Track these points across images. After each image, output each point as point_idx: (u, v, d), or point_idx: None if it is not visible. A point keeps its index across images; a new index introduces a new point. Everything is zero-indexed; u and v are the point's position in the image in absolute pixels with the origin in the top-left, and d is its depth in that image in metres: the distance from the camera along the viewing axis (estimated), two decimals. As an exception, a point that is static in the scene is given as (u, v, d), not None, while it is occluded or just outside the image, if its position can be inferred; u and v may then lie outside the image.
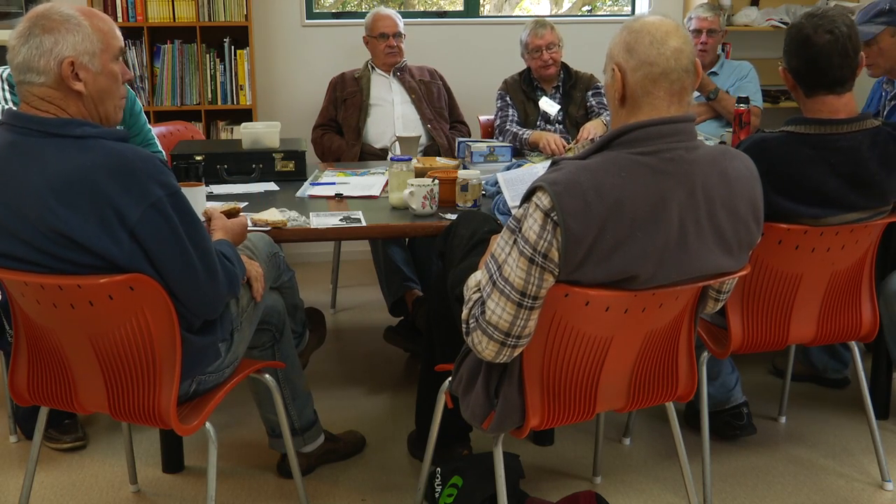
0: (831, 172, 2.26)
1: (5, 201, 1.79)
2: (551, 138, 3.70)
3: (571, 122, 3.97)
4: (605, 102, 3.91)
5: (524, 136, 3.83)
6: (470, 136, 4.25)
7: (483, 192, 2.83)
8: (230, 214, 2.33)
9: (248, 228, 2.39)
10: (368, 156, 4.04)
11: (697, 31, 4.00)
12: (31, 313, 1.98)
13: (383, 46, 4.13)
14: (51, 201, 1.73)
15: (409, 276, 3.59)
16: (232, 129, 4.51)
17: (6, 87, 2.73)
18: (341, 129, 4.15)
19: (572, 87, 4.03)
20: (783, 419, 3.04)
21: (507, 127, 3.95)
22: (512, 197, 2.62)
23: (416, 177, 2.82)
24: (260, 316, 2.33)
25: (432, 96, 4.18)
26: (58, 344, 1.98)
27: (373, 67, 4.21)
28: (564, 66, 4.05)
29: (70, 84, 1.79)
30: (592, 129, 3.71)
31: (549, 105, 3.98)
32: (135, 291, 1.82)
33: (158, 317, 1.87)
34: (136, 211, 1.75)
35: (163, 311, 1.86)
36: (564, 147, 3.65)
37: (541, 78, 4.02)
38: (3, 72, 2.76)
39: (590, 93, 4.01)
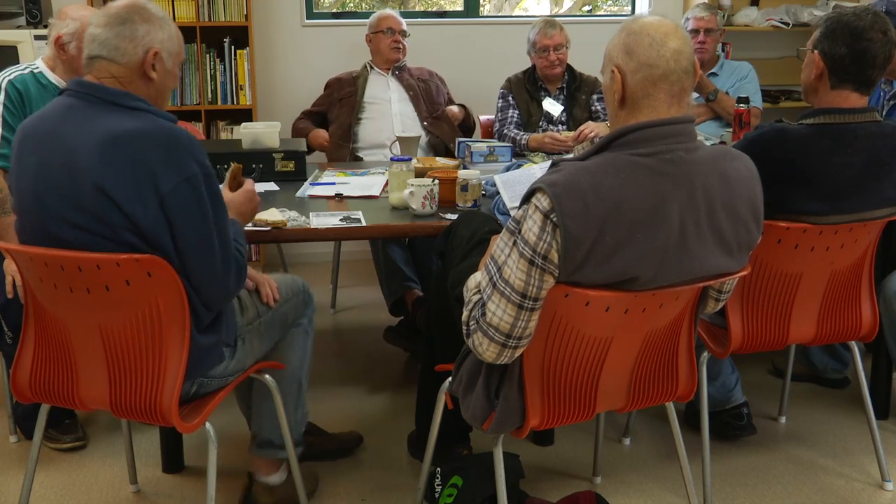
0: (848, 163, 2.27)
1: (59, 161, 1.87)
2: (549, 135, 3.71)
3: (575, 123, 3.96)
4: None
5: (523, 143, 3.83)
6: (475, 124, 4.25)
7: (483, 192, 2.83)
8: (234, 176, 2.31)
9: (248, 228, 2.39)
10: (355, 158, 4.04)
11: (695, 31, 4.00)
12: (44, 300, 1.99)
13: (389, 41, 4.13)
14: (95, 157, 1.83)
15: (409, 276, 3.59)
16: (232, 129, 4.51)
17: (2, 95, 2.72)
18: (324, 122, 4.16)
19: (577, 88, 4.03)
20: (783, 419, 3.04)
21: (506, 132, 3.95)
22: (510, 198, 2.62)
23: (416, 177, 2.82)
24: (275, 336, 2.32)
25: (431, 94, 4.18)
26: (66, 335, 1.99)
27: (371, 67, 4.21)
28: (569, 68, 4.05)
29: (147, 71, 1.97)
30: (595, 128, 3.71)
31: (552, 106, 3.98)
32: (152, 278, 1.85)
33: (171, 308, 1.89)
34: (170, 181, 1.83)
35: (177, 302, 1.89)
36: (563, 138, 3.66)
37: (545, 78, 4.02)
38: (1, 81, 2.75)
39: (595, 96, 4.01)
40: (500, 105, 4.06)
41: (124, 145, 1.83)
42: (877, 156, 2.29)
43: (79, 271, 1.86)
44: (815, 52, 2.31)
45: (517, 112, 4.01)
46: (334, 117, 4.13)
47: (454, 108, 4.20)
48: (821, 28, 2.31)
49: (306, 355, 2.43)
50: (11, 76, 2.75)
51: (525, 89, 4.04)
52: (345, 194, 2.98)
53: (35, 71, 2.80)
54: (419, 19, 5.00)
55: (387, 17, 4.17)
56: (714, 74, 4.08)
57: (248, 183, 2.29)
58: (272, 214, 2.58)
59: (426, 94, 4.16)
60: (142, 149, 1.83)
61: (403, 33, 4.17)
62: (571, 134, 3.73)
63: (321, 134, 4.08)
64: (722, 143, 3.48)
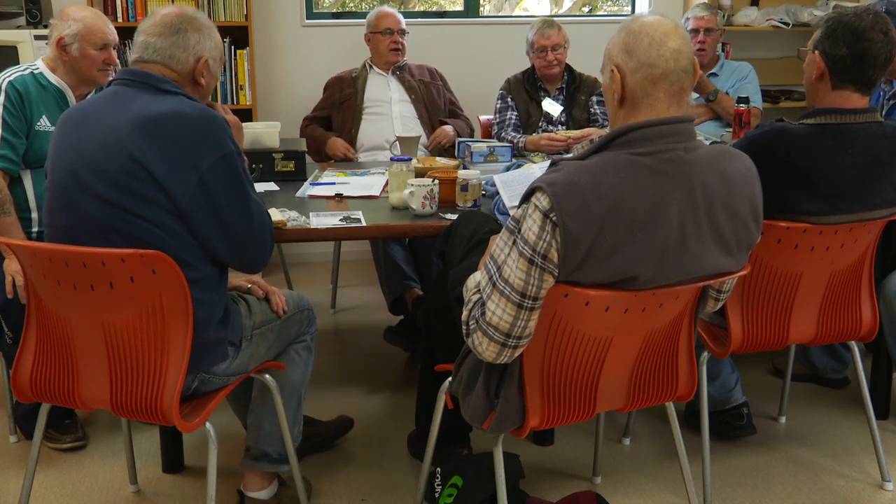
0: (848, 163, 2.27)
1: (98, 138, 1.94)
2: (546, 136, 3.71)
3: (575, 124, 3.97)
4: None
5: (521, 146, 3.83)
6: (473, 131, 4.24)
7: (483, 192, 2.83)
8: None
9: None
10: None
11: (695, 31, 4.00)
12: (47, 298, 2.00)
13: (388, 42, 4.10)
14: (136, 134, 1.90)
15: (409, 275, 3.59)
16: (233, 129, 4.51)
17: (2, 96, 2.72)
18: (330, 125, 4.13)
19: (576, 89, 4.03)
20: (783, 419, 3.04)
21: (504, 135, 3.95)
22: (510, 197, 2.62)
23: (416, 177, 2.82)
24: (280, 346, 2.33)
25: (432, 97, 4.16)
26: (68, 333, 2.00)
27: (370, 67, 4.19)
28: (568, 68, 4.05)
29: (197, 78, 2.10)
30: (594, 133, 3.71)
31: (551, 106, 3.98)
32: (156, 275, 1.87)
33: (174, 304, 1.90)
34: (209, 158, 1.92)
35: (180, 299, 1.90)
36: (560, 138, 3.66)
37: (544, 78, 4.02)
38: (1, 82, 2.75)
39: (594, 98, 4.00)
40: (498, 107, 4.06)
41: (164, 124, 1.92)
42: (877, 157, 2.29)
43: (83, 267, 1.87)
44: (816, 52, 2.32)
45: (515, 114, 4.01)
46: (339, 123, 4.11)
47: (447, 131, 4.05)
48: (821, 28, 2.31)
49: (307, 371, 2.44)
50: (11, 77, 2.74)
51: (524, 90, 4.04)
52: (345, 194, 2.98)
53: (35, 72, 2.80)
54: (419, 19, 5.00)
55: (385, 17, 4.12)
56: (714, 74, 4.08)
57: (229, 115, 2.32)
58: (272, 214, 2.58)
59: (428, 98, 4.13)
60: (181, 128, 1.92)
61: (402, 32, 4.12)
62: (569, 133, 3.73)
63: (340, 143, 4.00)
64: (722, 142, 3.48)
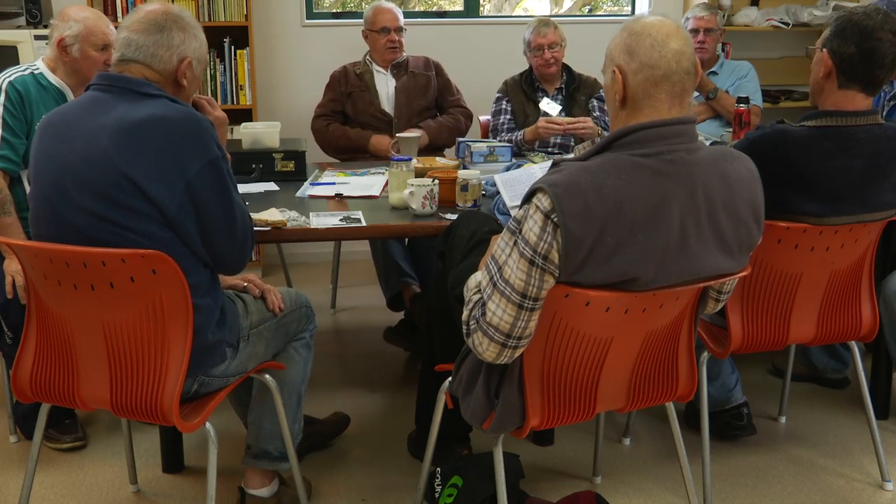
0: (848, 165, 2.27)
1: (80, 149, 1.90)
2: (542, 120, 3.69)
3: None
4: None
5: (519, 138, 3.80)
6: (471, 123, 4.23)
7: (483, 192, 2.83)
8: (196, 105, 2.28)
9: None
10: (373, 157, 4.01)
11: (695, 31, 4.00)
12: (48, 298, 2.00)
13: (384, 41, 4.05)
14: (119, 145, 1.86)
15: (407, 272, 3.59)
16: (232, 129, 4.50)
17: (2, 96, 2.72)
18: (345, 117, 4.06)
19: (576, 89, 4.02)
20: (783, 419, 3.04)
21: (499, 140, 3.92)
22: (510, 197, 2.62)
23: (416, 177, 2.82)
24: (278, 345, 2.33)
25: (418, 87, 4.07)
26: (68, 333, 2.00)
27: (370, 62, 4.15)
28: (567, 68, 4.04)
29: (180, 79, 2.04)
30: (592, 129, 3.69)
31: (550, 106, 3.97)
32: (156, 275, 1.86)
33: (174, 305, 1.90)
34: (195, 164, 1.89)
35: (180, 300, 1.90)
36: (558, 121, 3.65)
37: (542, 77, 4.02)
38: (2, 82, 2.75)
39: (594, 101, 3.99)
40: (493, 109, 4.05)
41: (147, 130, 1.87)
42: (877, 159, 2.29)
43: (84, 267, 1.87)
44: (824, 50, 2.32)
45: (509, 117, 3.99)
46: (354, 115, 4.03)
47: (424, 136, 3.95)
48: (831, 27, 2.32)
49: (307, 368, 2.43)
50: (12, 77, 2.74)
51: (521, 90, 4.02)
52: (345, 194, 2.98)
53: (35, 72, 2.79)
54: (419, 19, 5.00)
55: (382, 14, 4.04)
56: (714, 74, 4.08)
57: (203, 103, 2.30)
58: (272, 214, 2.58)
59: (414, 88, 4.06)
60: (165, 134, 1.88)
61: (399, 30, 4.05)
62: (567, 119, 3.71)
63: (385, 141, 3.89)
64: (722, 142, 3.48)
